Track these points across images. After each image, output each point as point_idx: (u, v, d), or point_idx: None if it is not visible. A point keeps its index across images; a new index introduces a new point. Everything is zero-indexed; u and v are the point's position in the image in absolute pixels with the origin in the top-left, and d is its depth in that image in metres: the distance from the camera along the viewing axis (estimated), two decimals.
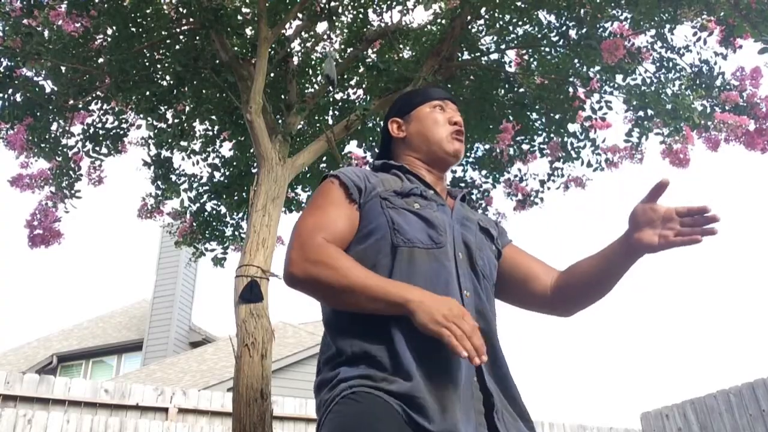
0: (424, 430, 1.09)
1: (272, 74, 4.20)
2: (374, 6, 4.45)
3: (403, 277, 1.24)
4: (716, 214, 1.22)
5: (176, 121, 4.53)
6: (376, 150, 1.64)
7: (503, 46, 4.48)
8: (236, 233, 4.84)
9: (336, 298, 1.23)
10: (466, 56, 4.47)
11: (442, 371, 1.17)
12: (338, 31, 4.71)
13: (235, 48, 4.00)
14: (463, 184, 4.70)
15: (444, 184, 1.56)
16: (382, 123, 1.79)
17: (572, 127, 4.39)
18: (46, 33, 3.92)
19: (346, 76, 4.57)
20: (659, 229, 1.26)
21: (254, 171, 4.50)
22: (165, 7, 4.06)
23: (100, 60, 4.05)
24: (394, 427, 1.08)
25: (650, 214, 1.26)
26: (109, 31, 4.08)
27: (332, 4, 4.22)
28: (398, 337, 1.18)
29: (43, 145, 4.09)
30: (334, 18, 4.30)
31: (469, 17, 4.20)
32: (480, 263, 1.37)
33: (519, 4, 4.00)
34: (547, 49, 4.28)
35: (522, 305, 1.52)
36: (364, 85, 4.64)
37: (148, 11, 3.95)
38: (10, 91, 3.76)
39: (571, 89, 4.13)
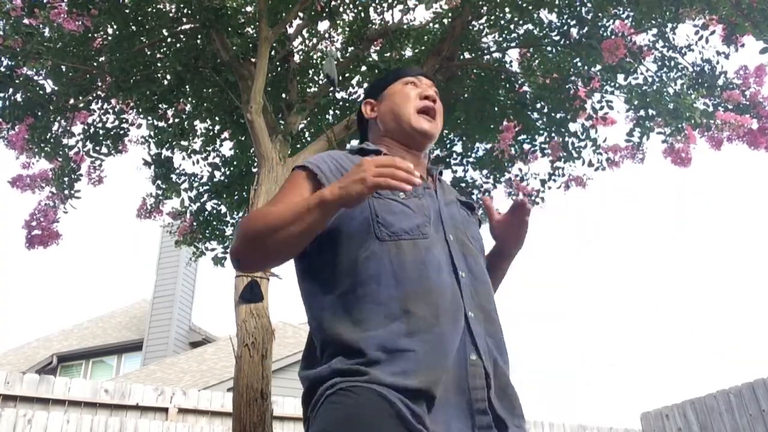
0: (414, 420, 1.07)
1: (273, 74, 4.19)
2: (375, 5, 4.44)
3: (392, 270, 1.20)
4: (524, 200, 1.49)
5: (177, 120, 4.53)
6: None
7: (504, 46, 4.48)
8: None
9: (272, 244, 1.21)
10: (467, 56, 4.47)
11: (437, 354, 1.14)
12: (339, 31, 4.71)
13: (236, 47, 3.99)
14: (464, 184, 4.70)
15: (425, 162, 1.50)
16: None
17: (573, 127, 4.38)
18: (47, 31, 3.92)
19: (347, 76, 4.57)
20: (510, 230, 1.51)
21: (255, 170, 4.49)
22: (166, 5, 4.05)
23: (101, 59, 4.04)
24: (387, 419, 1.05)
25: (503, 227, 1.51)
26: (110, 30, 4.08)
27: (333, 3, 4.21)
28: (390, 323, 1.15)
29: (43, 145, 4.09)
30: (335, 17, 4.29)
31: (470, 16, 4.19)
32: (471, 241, 1.37)
33: (520, 3, 3.99)
34: (549, 49, 4.27)
35: None
36: (365, 85, 4.63)
37: (148, 10, 3.95)
38: (10, 90, 3.76)
39: (572, 88, 4.12)
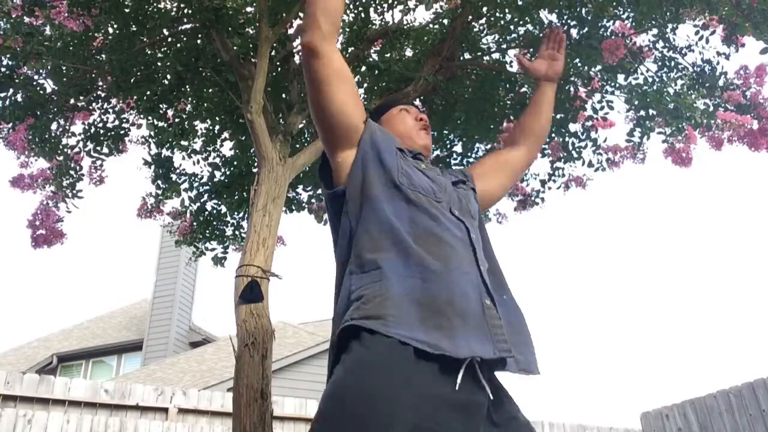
0: (431, 349, 1.16)
1: (273, 74, 4.19)
2: (375, 5, 4.44)
3: (408, 214, 1.36)
4: (558, 31, 1.98)
5: (177, 120, 4.53)
6: None
7: (504, 46, 4.47)
8: (236, 233, 4.83)
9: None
10: (467, 56, 4.47)
11: (453, 299, 1.25)
12: (339, 31, 4.70)
13: (236, 47, 3.99)
14: None
15: None
16: None
17: (573, 127, 4.38)
18: (47, 30, 3.92)
19: None
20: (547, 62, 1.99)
21: (255, 171, 4.49)
22: (167, 4, 4.05)
23: (101, 59, 4.04)
24: (408, 363, 1.13)
25: (541, 66, 2.01)
26: (110, 30, 4.08)
27: None
28: (414, 282, 1.25)
29: (42, 145, 4.09)
30: None
31: (470, 17, 4.19)
32: (474, 215, 1.53)
33: (520, 3, 3.99)
34: None
35: (518, 177, 1.88)
36: (365, 85, 4.63)
37: (148, 9, 3.94)
38: (10, 91, 3.76)
39: (572, 89, 4.12)
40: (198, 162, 4.74)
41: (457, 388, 1.14)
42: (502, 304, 1.35)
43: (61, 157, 4.18)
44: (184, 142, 4.66)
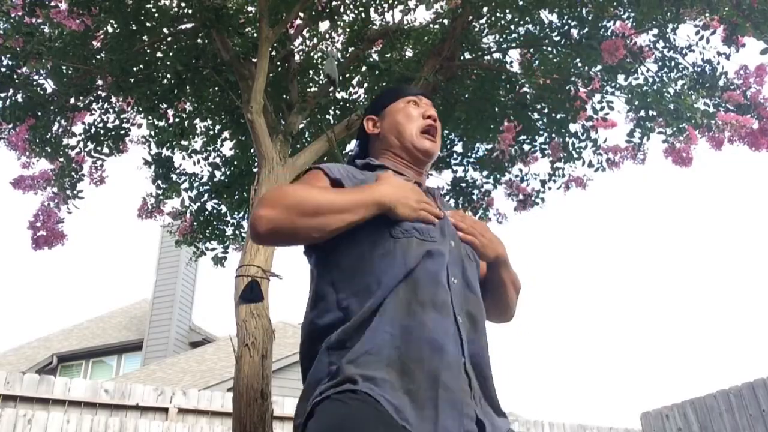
0: (397, 415, 1.09)
1: (273, 74, 4.19)
2: (376, 5, 4.44)
3: (389, 257, 1.26)
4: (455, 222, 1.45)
5: (177, 120, 4.53)
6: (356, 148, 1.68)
7: (504, 46, 4.47)
8: (237, 233, 4.83)
9: (308, 224, 1.23)
10: (467, 56, 4.47)
11: (422, 357, 1.17)
12: (340, 31, 4.71)
13: (237, 47, 3.99)
14: (464, 184, 4.70)
15: (425, 178, 1.57)
16: None
17: (574, 127, 4.38)
18: (47, 29, 3.92)
19: (347, 76, 4.57)
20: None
21: (255, 170, 4.49)
22: (168, 3, 4.05)
23: (101, 58, 4.04)
24: (381, 425, 1.08)
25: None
26: (110, 29, 4.08)
27: (334, 3, 4.21)
28: (383, 337, 1.18)
29: (43, 145, 4.09)
30: (335, 17, 4.30)
31: (470, 17, 4.19)
32: (464, 251, 1.39)
33: (520, 3, 3.99)
34: (549, 49, 4.27)
35: None
36: (365, 85, 4.63)
37: (148, 8, 3.94)
38: (11, 91, 3.75)
39: (572, 89, 4.12)
40: (198, 162, 4.74)
41: None
42: (474, 357, 1.26)
43: (62, 158, 4.19)
44: (184, 142, 4.66)
